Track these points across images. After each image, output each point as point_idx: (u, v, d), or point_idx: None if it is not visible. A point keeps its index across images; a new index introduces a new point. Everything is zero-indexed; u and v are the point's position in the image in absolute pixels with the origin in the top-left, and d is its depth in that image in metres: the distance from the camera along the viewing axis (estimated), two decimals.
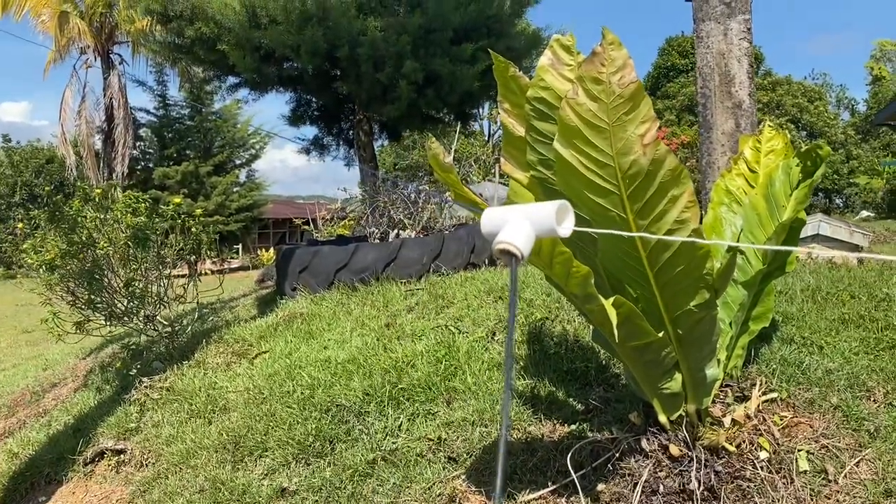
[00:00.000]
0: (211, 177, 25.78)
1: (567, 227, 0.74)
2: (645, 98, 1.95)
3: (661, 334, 2.28)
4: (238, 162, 28.06)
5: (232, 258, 27.22)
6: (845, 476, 2.42)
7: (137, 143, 25.44)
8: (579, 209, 2.38)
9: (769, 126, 3.22)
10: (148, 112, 26.26)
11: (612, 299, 2.13)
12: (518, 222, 0.71)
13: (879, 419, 2.60)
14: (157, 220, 4.51)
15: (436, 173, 2.14)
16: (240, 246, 28.31)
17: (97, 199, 4.60)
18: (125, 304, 4.45)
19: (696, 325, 2.30)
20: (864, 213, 19.83)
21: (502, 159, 2.64)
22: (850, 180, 34.79)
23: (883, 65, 40.71)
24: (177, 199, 4.67)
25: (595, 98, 1.95)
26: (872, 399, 2.75)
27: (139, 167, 25.78)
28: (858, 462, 2.45)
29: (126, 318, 4.54)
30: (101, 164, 23.63)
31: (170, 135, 26.33)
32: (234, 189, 26.88)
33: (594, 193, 2.13)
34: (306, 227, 12.02)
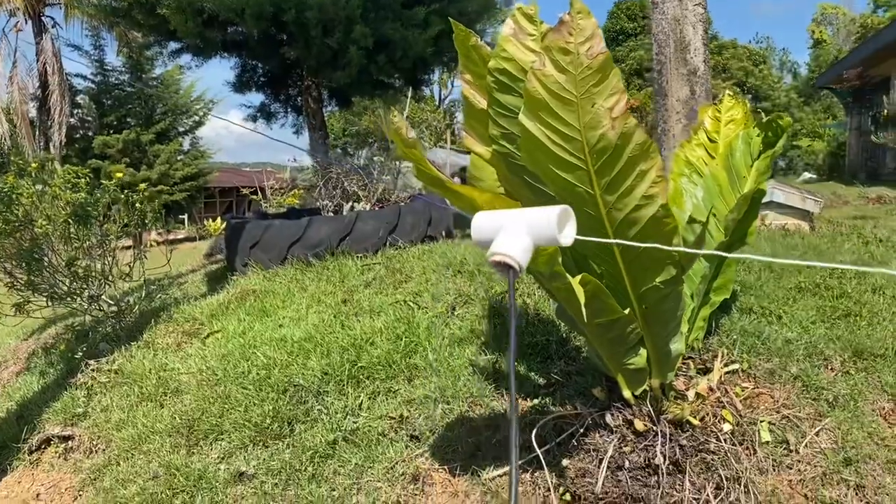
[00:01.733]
0: (153, 145, 24.95)
1: (569, 235, 0.66)
2: (614, 70, 1.88)
3: (626, 311, 2.24)
4: (181, 129, 27.21)
5: (177, 229, 26.56)
6: (806, 446, 2.45)
7: (75, 111, 24.42)
8: (544, 185, 2.32)
9: (729, 95, 3.19)
10: (85, 78, 25.16)
11: (578, 277, 2.08)
12: (514, 230, 0.64)
13: (837, 388, 2.63)
14: (98, 195, 4.28)
15: (398, 149, 2.05)
16: (185, 216, 27.62)
17: (33, 174, 4.35)
18: (68, 284, 4.24)
19: (662, 300, 2.27)
20: (806, 175, 20.32)
21: (463, 133, 2.55)
22: (793, 143, 35.55)
23: (824, 28, 41.47)
24: (119, 173, 4.45)
25: (562, 69, 1.88)
26: (830, 368, 2.79)
27: (78, 135, 24.77)
28: (818, 431, 2.48)
29: (69, 299, 4.34)
30: (37, 133, 22.67)
31: (109, 102, 25.31)
32: (178, 157, 26.07)
33: (560, 168, 2.07)
34: (254, 196, 11.74)
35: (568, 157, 2.02)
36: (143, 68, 25.39)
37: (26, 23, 21.25)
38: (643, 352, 2.42)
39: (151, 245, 5.42)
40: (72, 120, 23.72)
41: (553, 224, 0.63)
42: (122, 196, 4.47)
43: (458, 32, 2.32)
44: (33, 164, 4.35)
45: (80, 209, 3.99)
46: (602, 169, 2.02)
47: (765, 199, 5.14)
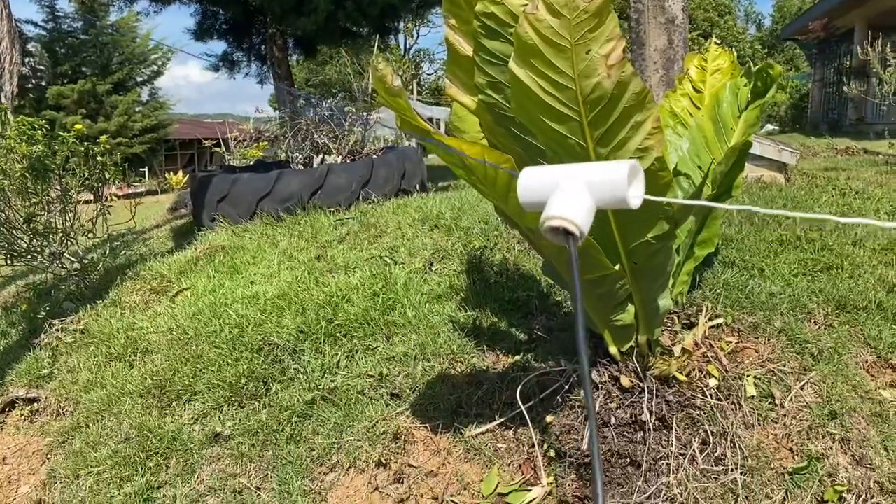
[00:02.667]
0: (111, 95, 24.11)
1: (638, 196, 0.58)
2: (611, 14, 1.78)
3: (616, 267, 2.19)
4: (139, 79, 26.29)
5: (138, 182, 25.94)
6: (791, 400, 2.44)
7: (26, 60, 23.39)
8: (533, 137, 2.23)
9: (715, 43, 3.11)
10: (36, 25, 24.08)
11: None
12: (574, 190, 0.55)
13: (822, 341, 2.62)
14: (56, 147, 4.07)
15: (381, 98, 1.93)
16: (146, 169, 26.93)
17: None
18: (27, 241, 4.05)
19: (652, 256, 2.22)
20: (770, 127, 20.44)
21: (447, 82, 2.43)
22: None
23: None
24: (77, 125, 4.22)
25: (557, 13, 1.77)
26: (814, 321, 2.78)
27: (30, 85, 23.79)
28: (803, 385, 2.48)
29: (30, 257, 4.15)
30: None
31: (62, 50, 24.31)
32: (137, 108, 25.25)
33: (552, 119, 1.97)
34: (217, 149, 11.41)
35: (560, 107, 1.93)
36: (98, 14, 24.36)
37: None
38: (631, 308, 2.38)
39: (113, 199, 5.22)
40: (23, 69, 22.63)
41: (623, 182, 0.54)
42: (82, 148, 4.26)
43: None
44: (37, 133, 4.09)
45: (38, 162, 3.78)
46: (596, 120, 1.93)
47: None
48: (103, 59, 24.57)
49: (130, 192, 24.69)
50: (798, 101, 22.02)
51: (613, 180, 0.55)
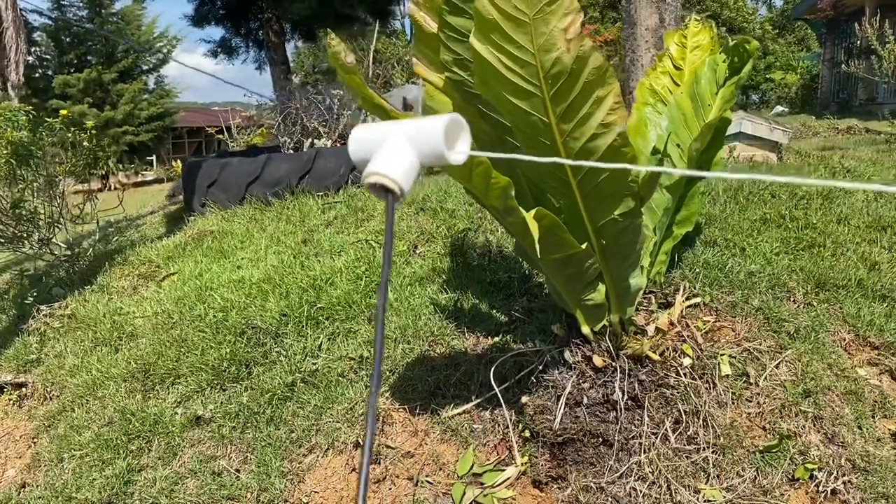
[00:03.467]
0: (116, 84, 24.12)
1: (462, 152, 0.56)
2: None
3: (584, 246, 2.16)
4: (145, 67, 26.30)
5: (146, 171, 26.01)
6: (766, 378, 2.42)
7: (32, 49, 23.46)
8: (500, 115, 2.21)
9: (695, 20, 3.06)
10: (41, 14, 24.11)
11: (533, 211, 1.99)
12: (396, 146, 0.53)
13: (799, 320, 2.60)
14: (43, 133, 4.07)
15: (339, 75, 1.91)
16: (153, 157, 27.00)
17: None
18: (13, 227, 4.06)
19: (620, 234, 2.19)
20: (779, 108, 20.22)
21: (414, 60, 2.40)
22: (767, 76, 35.32)
23: None
24: (63, 111, 4.21)
25: None
26: (793, 300, 2.75)
27: (37, 75, 23.85)
28: (779, 364, 2.46)
29: (17, 243, 4.17)
30: None
31: (68, 39, 24.33)
32: (143, 97, 25.27)
33: (514, 95, 1.95)
34: (220, 135, 11.42)
35: (522, 82, 1.90)
36: (103, 3, 24.34)
37: None
38: (602, 287, 2.36)
39: (117, 188, 5.22)
40: (29, 58, 22.73)
41: (440, 138, 0.52)
42: (70, 135, 4.26)
43: None
44: (21, 118, 4.09)
45: (23, 148, 3.78)
46: (557, 95, 1.90)
47: (733, 131, 5.06)
48: (108, 48, 24.58)
49: (139, 180, 24.77)
50: (809, 82, 21.77)
51: (431, 136, 0.53)
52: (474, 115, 2.30)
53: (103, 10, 24.52)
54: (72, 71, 23.52)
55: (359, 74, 1.84)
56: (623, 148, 1.96)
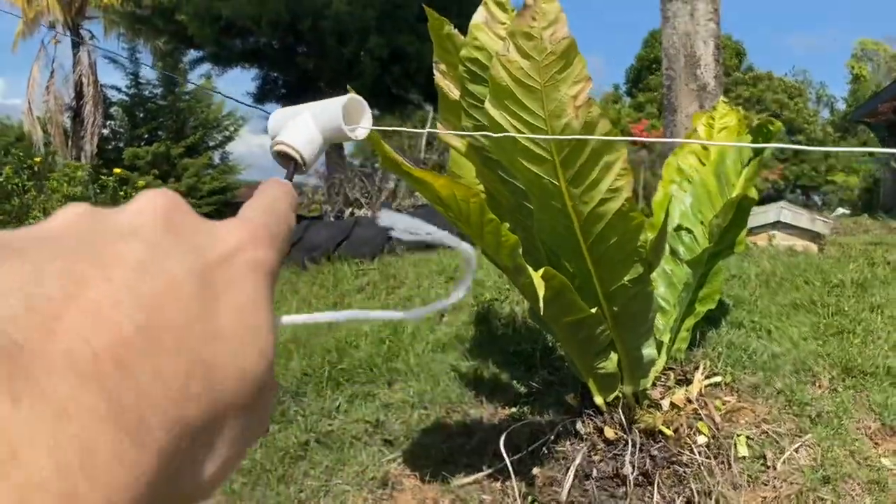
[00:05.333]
0: (183, 158, 25.24)
1: (362, 129, 0.61)
2: (578, 56, 1.83)
3: (594, 310, 2.16)
4: (211, 144, 27.52)
5: None
6: (784, 462, 2.33)
7: (108, 122, 24.83)
8: (515, 179, 2.26)
9: (723, 102, 3.12)
10: (119, 90, 25.63)
11: (541, 271, 2.01)
12: (302, 121, 0.58)
13: (822, 404, 2.51)
14: (97, 191, 4.30)
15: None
16: None
17: (36, 169, 4.39)
18: None
19: (630, 300, 2.19)
20: (841, 211, 19.92)
21: (439, 126, 2.50)
22: (828, 178, 34.98)
23: (864, 64, 40.91)
24: (117, 170, 4.45)
25: (526, 55, 1.83)
26: (818, 384, 2.66)
27: (110, 147, 25.19)
28: (798, 448, 2.36)
29: None
30: (70, 143, 23.09)
31: (141, 114, 25.72)
32: (207, 171, 26.35)
33: (528, 160, 2.01)
34: None
35: (535, 147, 1.96)
36: (178, 82, 25.79)
37: (65, 33, 21.80)
38: (614, 356, 2.33)
39: None
40: (104, 131, 24.11)
41: (338, 114, 0.57)
42: (122, 193, 4.48)
43: (431, 20, 2.27)
44: (37, 159, 4.37)
45: (73, 201, 3.98)
46: (567, 160, 1.95)
47: (773, 220, 5.02)
48: (178, 124, 25.87)
49: None
50: (871, 186, 21.51)
51: (332, 112, 0.58)
52: (494, 180, 2.36)
53: (177, 89, 25.95)
54: (142, 144, 24.78)
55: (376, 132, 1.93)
56: (630, 213, 1.98)
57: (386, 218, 0.39)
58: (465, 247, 0.43)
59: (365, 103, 0.60)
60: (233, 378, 0.26)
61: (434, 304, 0.43)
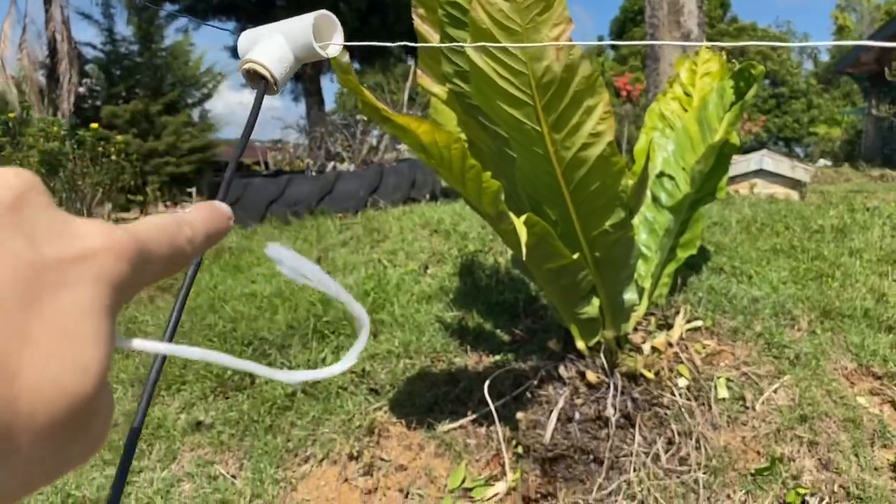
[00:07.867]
0: (161, 116, 24.86)
1: (334, 46, 0.59)
2: None
3: (576, 256, 2.17)
4: (190, 101, 27.08)
5: (185, 201, 26.55)
6: (763, 402, 2.38)
7: (84, 80, 24.32)
8: (497, 125, 2.24)
9: (706, 48, 3.10)
10: (94, 47, 25.05)
11: (523, 217, 2.01)
12: (272, 40, 0.57)
13: (801, 346, 2.55)
14: (73, 146, 4.23)
15: (336, 76, 1.97)
16: (194, 189, 27.62)
17: (10, 125, 4.30)
18: None
19: (612, 246, 2.20)
20: (822, 162, 20.02)
21: (419, 72, 2.47)
22: (811, 130, 35.05)
23: (848, 14, 40.70)
24: (94, 125, 4.38)
25: None
26: (797, 327, 2.71)
27: (86, 105, 24.70)
28: (777, 389, 2.41)
29: None
30: (46, 102, 22.64)
31: (118, 72, 25.23)
32: (187, 129, 25.96)
33: (509, 105, 1.99)
34: (256, 166, 11.71)
35: (516, 91, 1.94)
36: (153, 38, 25.24)
37: None
38: (596, 301, 2.35)
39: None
40: (80, 89, 23.61)
41: (309, 31, 0.56)
42: (100, 148, 4.42)
43: None
44: (10, 115, 4.28)
45: (51, 157, 3.93)
46: (549, 104, 1.94)
47: (755, 168, 5.04)
48: (156, 81, 25.39)
49: (178, 209, 25.23)
50: (853, 137, 21.59)
51: (302, 28, 0.56)
52: (476, 127, 2.34)
53: (153, 45, 25.40)
54: (120, 102, 24.33)
55: (353, 74, 1.89)
56: (612, 157, 1.98)
57: (274, 252, 0.37)
58: (358, 308, 0.41)
59: (335, 19, 0.58)
60: (47, 392, 0.23)
61: (318, 371, 0.39)
